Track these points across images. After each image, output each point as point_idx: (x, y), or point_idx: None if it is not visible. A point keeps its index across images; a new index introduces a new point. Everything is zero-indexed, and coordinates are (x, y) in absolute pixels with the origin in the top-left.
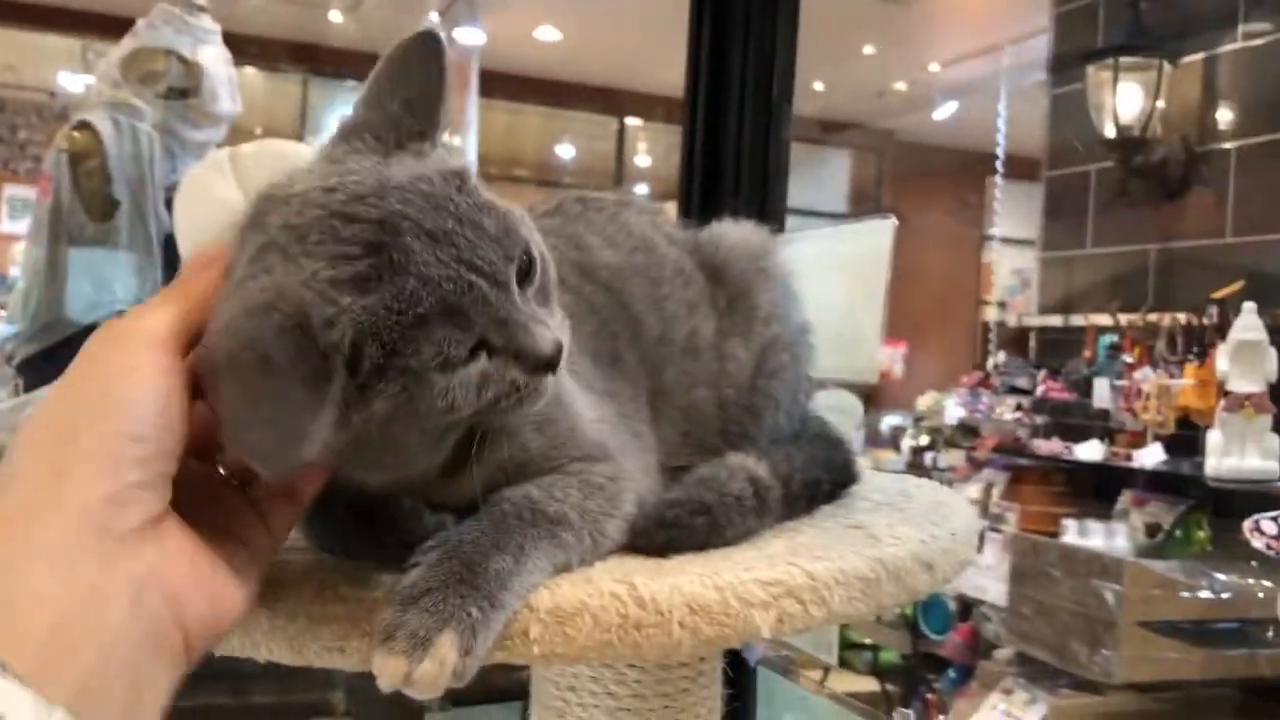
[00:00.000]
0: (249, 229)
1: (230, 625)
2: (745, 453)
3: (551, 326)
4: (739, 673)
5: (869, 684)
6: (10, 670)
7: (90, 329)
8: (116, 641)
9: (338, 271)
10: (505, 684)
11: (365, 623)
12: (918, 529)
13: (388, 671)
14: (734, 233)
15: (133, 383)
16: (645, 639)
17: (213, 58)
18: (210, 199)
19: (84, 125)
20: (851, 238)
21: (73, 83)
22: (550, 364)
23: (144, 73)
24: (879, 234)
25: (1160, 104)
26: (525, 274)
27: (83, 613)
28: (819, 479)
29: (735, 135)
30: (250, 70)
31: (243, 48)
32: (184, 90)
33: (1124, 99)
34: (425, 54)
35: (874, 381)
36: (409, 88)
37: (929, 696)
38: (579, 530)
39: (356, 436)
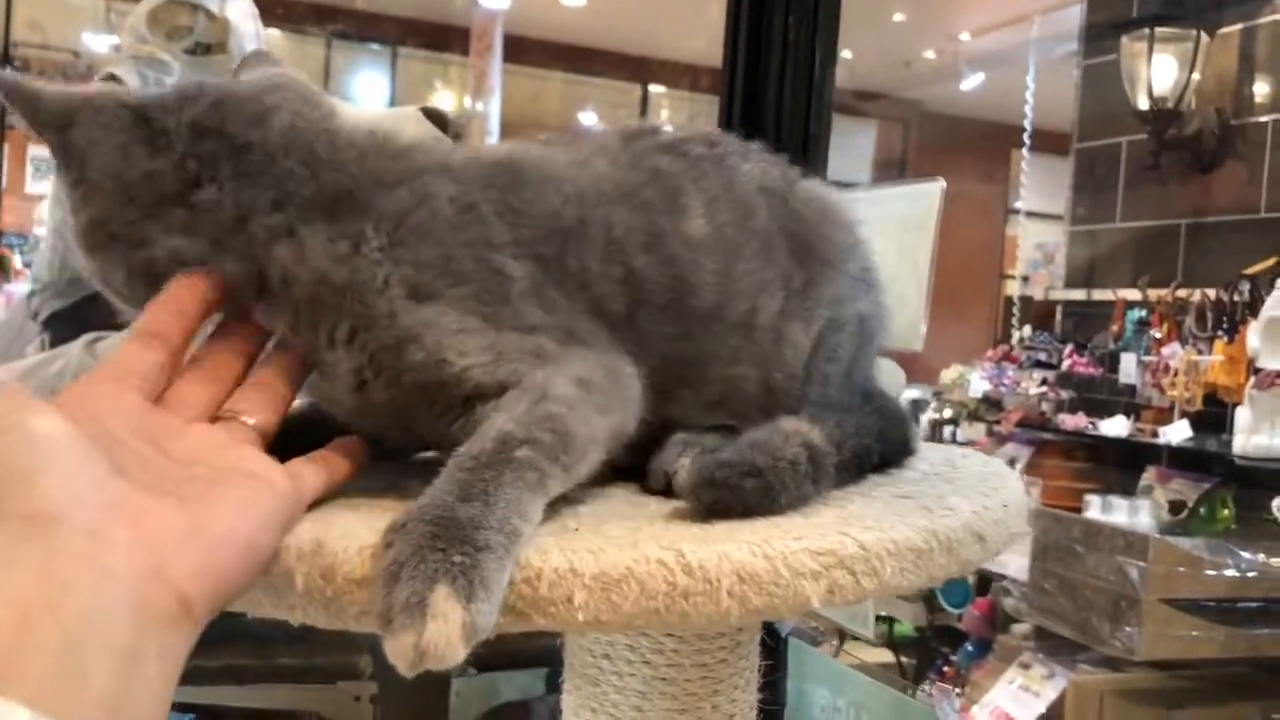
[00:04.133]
0: None
1: (239, 579)
2: (798, 417)
3: None
4: (772, 643)
5: (883, 655)
6: None
7: None
8: (84, 621)
9: None
10: (532, 649)
11: None
12: (969, 500)
13: (400, 652)
14: (831, 209)
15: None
16: (693, 607)
17: (240, 13)
18: None
19: (111, 79)
20: (899, 200)
21: (97, 43)
22: None
23: (170, 27)
24: (928, 197)
25: (1195, 76)
26: None
27: (39, 601)
28: (869, 448)
29: (775, 102)
30: (274, 32)
31: (267, 9)
32: (210, 46)
33: (1159, 70)
34: None
35: (918, 349)
36: None
37: (945, 669)
38: (535, 442)
39: None
